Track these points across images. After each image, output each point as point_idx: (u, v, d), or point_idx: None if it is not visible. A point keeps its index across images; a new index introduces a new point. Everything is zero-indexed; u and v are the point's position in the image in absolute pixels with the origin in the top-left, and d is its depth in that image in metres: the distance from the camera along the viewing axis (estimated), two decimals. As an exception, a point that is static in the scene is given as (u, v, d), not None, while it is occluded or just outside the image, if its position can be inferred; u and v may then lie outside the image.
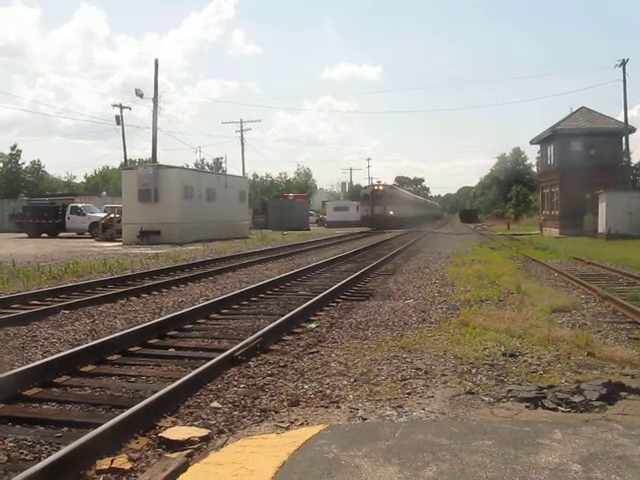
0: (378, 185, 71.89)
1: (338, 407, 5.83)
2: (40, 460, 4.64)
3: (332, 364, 7.49)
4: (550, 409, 5.73)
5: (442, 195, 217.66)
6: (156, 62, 48.28)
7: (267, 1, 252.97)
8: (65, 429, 5.46)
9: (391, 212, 66.75)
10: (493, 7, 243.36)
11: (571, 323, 10.11)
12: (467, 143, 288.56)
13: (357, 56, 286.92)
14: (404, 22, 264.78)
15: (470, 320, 9.78)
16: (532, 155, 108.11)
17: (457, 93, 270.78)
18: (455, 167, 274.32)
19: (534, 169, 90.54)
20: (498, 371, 7.01)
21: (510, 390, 6.25)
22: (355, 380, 6.75)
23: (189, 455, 4.74)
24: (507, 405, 5.83)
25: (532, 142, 58.23)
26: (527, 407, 5.77)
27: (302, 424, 5.34)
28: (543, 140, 54.06)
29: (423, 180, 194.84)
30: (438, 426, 5.12)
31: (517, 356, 7.66)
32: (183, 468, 4.38)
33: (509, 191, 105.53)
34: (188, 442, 5.02)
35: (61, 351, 8.12)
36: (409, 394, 6.21)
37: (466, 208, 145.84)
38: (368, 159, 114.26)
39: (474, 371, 7.02)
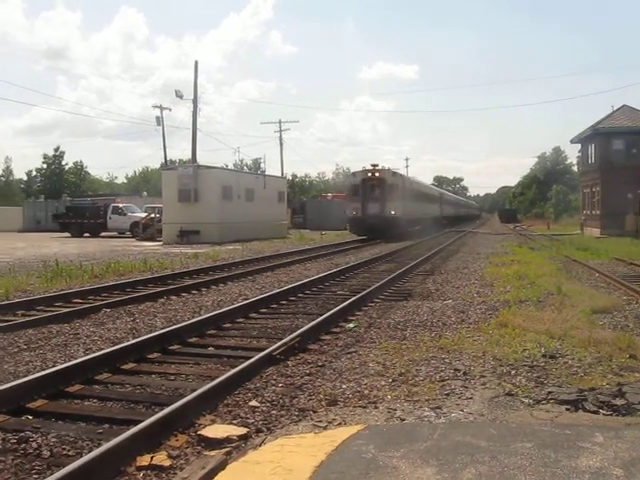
0: (374, 170, 41.56)
1: (376, 407, 5.83)
2: (82, 456, 4.71)
3: (370, 364, 7.48)
4: (591, 412, 5.66)
5: (481, 195, 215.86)
6: (196, 63, 48.89)
7: (305, 1, 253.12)
8: (106, 426, 5.53)
9: (393, 212, 39.71)
10: (529, 6, 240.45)
11: (612, 325, 9.96)
12: (506, 142, 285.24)
13: (394, 55, 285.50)
14: (441, 21, 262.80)
15: (509, 321, 9.69)
16: (573, 154, 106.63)
17: (495, 92, 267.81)
18: (494, 166, 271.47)
19: (575, 168, 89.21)
20: (538, 373, 6.94)
21: (550, 392, 6.18)
22: (393, 380, 6.74)
23: (228, 453, 4.77)
24: (547, 407, 5.77)
25: (572, 141, 57.35)
26: (567, 410, 5.70)
27: (340, 424, 5.34)
28: (584, 139, 53.23)
29: (462, 179, 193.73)
30: (477, 428, 5.09)
31: (557, 358, 7.57)
32: (222, 466, 4.42)
33: (549, 191, 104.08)
34: (227, 440, 5.06)
35: (102, 349, 8.23)
36: (447, 395, 6.18)
37: (505, 208, 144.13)
38: (406, 159, 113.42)
39: (513, 372, 6.96)
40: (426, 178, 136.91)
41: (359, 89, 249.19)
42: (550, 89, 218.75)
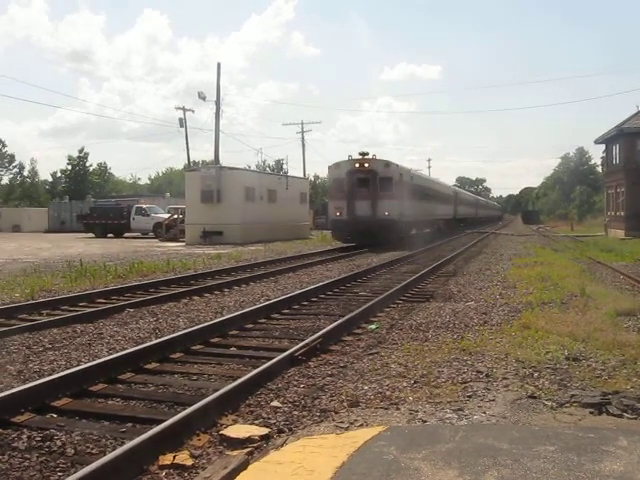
0: (362, 160, 33.10)
1: (398, 409, 5.82)
2: (105, 454, 4.76)
3: (392, 365, 7.47)
4: (615, 415, 5.60)
5: (503, 196, 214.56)
6: (218, 65, 48.81)
7: (326, 2, 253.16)
8: (129, 424, 5.59)
9: (387, 213, 31.92)
10: (551, 6, 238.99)
11: (637, 327, 9.85)
12: (529, 143, 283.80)
13: (417, 56, 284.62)
14: (464, 21, 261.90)
15: (532, 323, 9.64)
16: (597, 155, 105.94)
17: (517, 92, 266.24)
18: (517, 167, 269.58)
19: (599, 169, 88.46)
20: (561, 375, 6.89)
21: (573, 395, 6.14)
22: (415, 382, 6.73)
23: (249, 453, 4.79)
24: (570, 410, 5.73)
25: (597, 142, 56.79)
26: (591, 413, 5.66)
27: (361, 425, 5.34)
28: (608, 139, 52.70)
29: (484, 180, 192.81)
30: (499, 430, 5.06)
31: (581, 360, 7.51)
32: (243, 466, 4.44)
33: (572, 192, 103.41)
34: (248, 440, 5.08)
35: (126, 348, 8.29)
36: (470, 397, 6.16)
37: (528, 209, 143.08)
38: (429, 159, 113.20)
39: (536, 375, 6.91)
40: (448, 179, 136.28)
41: (381, 90, 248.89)
42: (573, 89, 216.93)
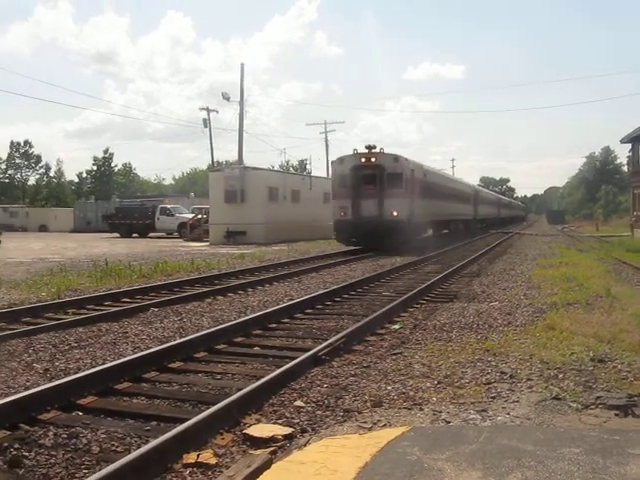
0: (368, 154, 29.95)
1: (421, 409, 5.81)
2: (130, 452, 4.80)
3: (415, 366, 7.45)
4: (641, 417, 5.55)
5: (528, 196, 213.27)
6: (242, 66, 49.00)
7: (349, 2, 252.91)
8: (154, 423, 5.63)
9: (395, 212, 28.85)
10: (574, 5, 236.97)
11: (664, 329, 9.75)
12: (554, 142, 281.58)
13: (440, 55, 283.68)
14: (488, 20, 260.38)
15: (557, 324, 9.57)
16: (622, 154, 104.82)
17: (541, 91, 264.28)
18: (542, 167, 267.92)
19: (625, 169, 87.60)
20: (586, 377, 6.83)
21: (599, 397, 6.09)
22: (439, 382, 6.71)
23: (273, 453, 4.81)
24: (595, 412, 5.68)
25: (622, 141, 56.15)
26: (617, 415, 5.60)
27: (385, 425, 5.34)
28: (634, 138, 52.09)
29: (509, 180, 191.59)
30: (523, 431, 5.04)
31: (606, 362, 7.44)
32: (267, 465, 4.45)
33: (598, 191, 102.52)
34: (272, 440, 5.09)
35: (150, 347, 8.35)
36: (493, 398, 6.13)
37: (553, 209, 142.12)
38: (452, 159, 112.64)
39: (561, 376, 6.86)
40: (472, 179, 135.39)
41: (404, 89, 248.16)
42: (597, 88, 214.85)
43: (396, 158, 29.41)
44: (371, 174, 28.92)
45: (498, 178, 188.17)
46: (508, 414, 5.60)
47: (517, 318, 10.61)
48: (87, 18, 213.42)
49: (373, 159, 29.09)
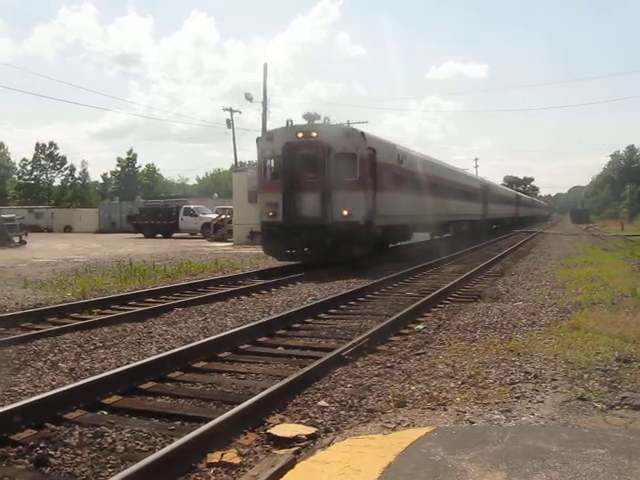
0: (309, 127, 20.67)
1: (445, 409, 5.79)
2: (155, 451, 4.83)
3: (439, 366, 7.43)
4: (668, 418, 5.49)
5: (552, 195, 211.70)
6: (265, 66, 49.06)
7: (372, 2, 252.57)
8: (178, 422, 5.67)
9: (346, 212, 19.64)
10: (597, 3, 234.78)
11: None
12: (578, 141, 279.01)
13: (463, 55, 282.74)
14: (511, 19, 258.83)
15: (581, 324, 9.49)
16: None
17: (565, 90, 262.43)
18: (566, 166, 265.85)
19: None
20: (611, 377, 6.77)
21: (624, 397, 6.03)
22: (462, 383, 6.68)
23: (296, 452, 4.82)
24: (621, 413, 5.63)
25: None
26: (643, 415, 5.55)
27: (408, 425, 5.33)
28: (661, 137, 51.48)
29: (532, 179, 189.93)
30: (548, 432, 5.00)
31: (632, 362, 7.37)
32: (291, 465, 4.46)
33: (623, 190, 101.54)
34: (296, 439, 5.11)
35: (175, 347, 8.40)
36: (518, 398, 6.10)
37: (577, 208, 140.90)
38: (476, 159, 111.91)
39: (586, 376, 6.80)
40: (496, 178, 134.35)
41: (427, 89, 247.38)
42: (621, 86, 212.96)
43: (348, 133, 20.49)
44: (312, 156, 20.01)
45: (522, 177, 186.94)
46: (532, 414, 5.57)
47: (541, 318, 10.54)
48: (111, 20, 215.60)
49: (314, 134, 19.95)
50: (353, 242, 19.45)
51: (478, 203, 44.60)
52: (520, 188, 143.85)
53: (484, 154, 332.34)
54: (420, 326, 10.11)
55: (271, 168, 21.07)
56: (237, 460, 4.76)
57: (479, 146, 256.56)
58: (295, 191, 19.87)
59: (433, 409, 5.83)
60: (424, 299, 12.33)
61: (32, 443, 5.07)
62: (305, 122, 20.90)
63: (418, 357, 7.98)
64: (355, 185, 19.81)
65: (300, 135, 20.06)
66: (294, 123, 20.72)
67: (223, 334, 9.01)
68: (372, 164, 20.65)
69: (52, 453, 4.89)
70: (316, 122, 20.89)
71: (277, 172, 20.59)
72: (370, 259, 20.98)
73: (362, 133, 20.51)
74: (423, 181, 26.80)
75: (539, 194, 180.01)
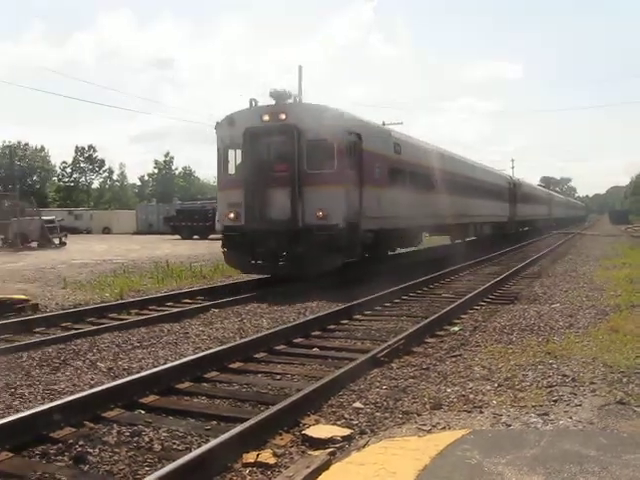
0: (277, 107, 16.44)
1: (481, 412, 5.75)
2: (191, 450, 4.88)
3: (475, 368, 7.38)
4: None
5: (589, 195, 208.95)
6: (300, 68, 49.02)
7: (405, 3, 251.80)
8: (214, 422, 5.72)
9: (321, 213, 15.77)
10: (633, 3, 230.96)
11: None
12: (617, 141, 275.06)
13: (498, 55, 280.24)
14: (546, 18, 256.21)
15: (620, 326, 9.35)
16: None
17: (602, 89, 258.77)
18: (604, 166, 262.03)
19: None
20: (652, 381, 6.66)
21: (665, 401, 5.93)
22: (499, 385, 6.63)
23: (331, 454, 4.82)
24: (662, 417, 5.54)
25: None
26: (684, 420, 5.46)
27: (444, 428, 5.30)
28: None
29: (570, 180, 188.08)
30: (586, 436, 4.94)
31: (673, 366, 7.24)
32: (326, 466, 4.47)
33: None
34: (331, 441, 5.11)
35: (211, 348, 8.46)
36: (555, 401, 6.03)
37: (615, 209, 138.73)
38: (512, 160, 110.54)
39: (625, 380, 6.70)
40: (533, 179, 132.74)
41: (462, 89, 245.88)
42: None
43: (323, 113, 16.25)
44: (280, 143, 16.31)
45: (559, 178, 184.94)
46: (570, 418, 5.51)
47: (579, 320, 10.41)
48: (147, 24, 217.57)
49: (282, 116, 16.20)
50: (331, 250, 15.69)
51: (504, 202, 39.66)
52: (557, 189, 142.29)
53: (520, 154, 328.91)
54: (456, 328, 10.05)
55: (232, 160, 17.49)
56: (272, 460, 4.78)
57: (515, 146, 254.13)
58: (260, 188, 16.18)
59: (469, 412, 5.79)
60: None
61: (71, 441, 5.15)
62: (271, 103, 16.74)
63: (454, 359, 7.94)
64: (332, 179, 15.96)
65: (266, 118, 16.32)
66: (258, 103, 16.91)
67: (259, 335, 9.07)
68: (356, 153, 16.79)
69: (91, 451, 4.97)
70: (287, 102, 16.77)
71: (239, 165, 17.11)
72: (361, 269, 18.04)
73: (341, 114, 16.62)
74: (432, 176, 23.56)
75: (576, 194, 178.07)
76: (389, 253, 21.49)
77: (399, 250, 23.09)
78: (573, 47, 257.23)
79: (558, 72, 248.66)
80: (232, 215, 16.55)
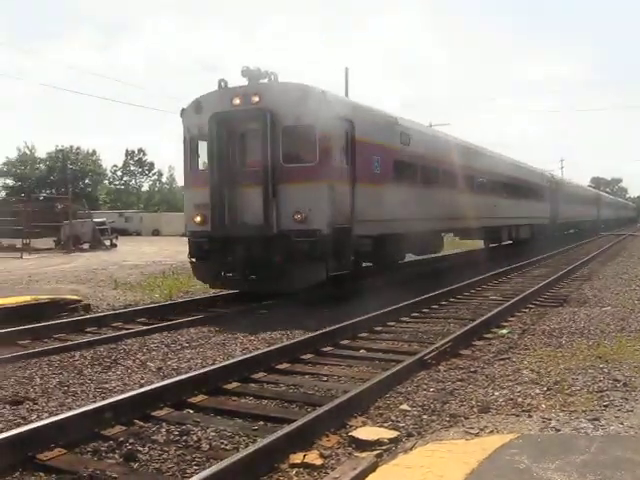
0: (249, 88, 13.56)
1: (530, 416, 5.68)
2: (239, 451, 4.93)
3: (524, 371, 7.30)
4: None
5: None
6: (346, 70, 49.14)
7: (452, 3, 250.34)
8: (261, 423, 5.77)
9: (299, 216, 12.87)
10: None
11: None
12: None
13: (547, 54, 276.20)
14: (596, 17, 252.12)
15: (675, 330, 9.16)
16: None
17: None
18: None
19: None
20: None
21: None
22: (548, 389, 6.55)
23: (378, 456, 4.82)
24: None
25: None
26: None
27: (492, 432, 5.25)
28: None
29: (621, 180, 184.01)
30: (638, 442, 4.85)
31: None
32: (372, 468, 4.46)
33: None
34: (377, 443, 5.11)
35: (258, 349, 8.52)
36: (606, 407, 5.93)
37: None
38: (561, 160, 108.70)
39: (679, 385, 6.56)
40: (583, 180, 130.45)
41: (511, 89, 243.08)
42: None
43: (303, 94, 13.27)
44: (253, 132, 13.63)
45: (609, 178, 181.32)
46: (622, 424, 5.40)
47: (631, 324, 10.22)
48: (194, 28, 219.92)
49: (256, 98, 13.36)
50: (313, 260, 12.89)
51: (544, 203, 36.06)
52: (607, 189, 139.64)
53: (570, 155, 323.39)
54: (504, 331, 9.95)
55: (203, 154, 14.49)
56: (319, 462, 4.80)
57: (564, 147, 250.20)
58: (229, 186, 13.61)
59: (517, 415, 5.73)
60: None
61: (122, 439, 5.25)
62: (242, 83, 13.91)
63: (502, 362, 7.87)
64: (313, 173, 13.09)
65: (237, 101, 13.50)
66: (228, 85, 13.96)
67: (306, 336, 9.09)
68: (347, 142, 14.02)
69: (140, 449, 5.05)
70: (260, 82, 13.77)
71: (210, 157, 13.91)
72: (359, 282, 15.33)
73: (327, 94, 13.54)
74: (451, 173, 20.34)
75: (627, 195, 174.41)
76: (399, 262, 18.46)
77: (414, 257, 20.54)
78: (624, 45, 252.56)
79: (609, 70, 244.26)
80: (198, 219, 13.88)
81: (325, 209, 13.01)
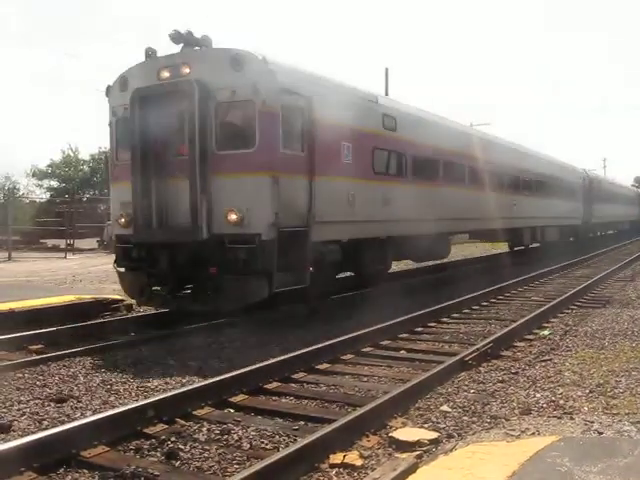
0: (178, 57, 10.71)
1: (572, 418, 5.63)
2: (279, 450, 4.97)
3: (566, 373, 7.23)
4: None
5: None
6: (386, 71, 49.03)
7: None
8: (301, 423, 5.80)
9: (236, 216, 9.94)
10: None
11: None
12: None
13: (594, 50, 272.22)
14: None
15: None
16: None
17: None
18: None
19: None
20: None
21: None
22: (590, 391, 6.48)
23: (418, 457, 4.82)
24: None
25: None
26: None
27: (533, 434, 5.21)
28: None
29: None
30: (683, 446, 4.77)
31: None
32: (412, 469, 4.46)
33: None
34: (417, 444, 5.11)
35: (298, 349, 8.55)
36: (650, 409, 5.85)
37: None
38: (604, 159, 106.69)
39: None
40: (626, 179, 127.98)
41: (552, 86, 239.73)
42: None
43: (239, 61, 10.29)
44: (182, 112, 10.72)
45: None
46: (666, 427, 5.33)
47: (677, 326, 10.05)
48: (239, 23, 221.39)
49: (186, 70, 10.62)
50: (251, 273, 10.16)
51: (576, 202, 32.45)
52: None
53: (613, 154, 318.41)
54: (546, 332, 9.86)
55: (123, 136, 11.57)
56: (359, 462, 4.81)
57: (608, 145, 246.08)
58: (157, 180, 10.90)
59: (559, 418, 5.68)
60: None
61: (164, 437, 5.33)
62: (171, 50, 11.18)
63: (544, 364, 7.80)
64: (252, 162, 10.26)
65: (165, 74, 10.79)
66: (156, 53, 11.35)
67: (345, 337, 9.08)
68: (303, 124, 11.07)
69: (182, 447, 5.12)
70: (193, 49, 11.00)
71: (129, 143, 11.16)
72: (330, 299, 12.92)
73: (264, 58, 10.41)
74: (456, 166, 17.49)
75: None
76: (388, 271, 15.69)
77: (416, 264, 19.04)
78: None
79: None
80: (123, 220, 11.39)
81: (267, 208, 10.11)
